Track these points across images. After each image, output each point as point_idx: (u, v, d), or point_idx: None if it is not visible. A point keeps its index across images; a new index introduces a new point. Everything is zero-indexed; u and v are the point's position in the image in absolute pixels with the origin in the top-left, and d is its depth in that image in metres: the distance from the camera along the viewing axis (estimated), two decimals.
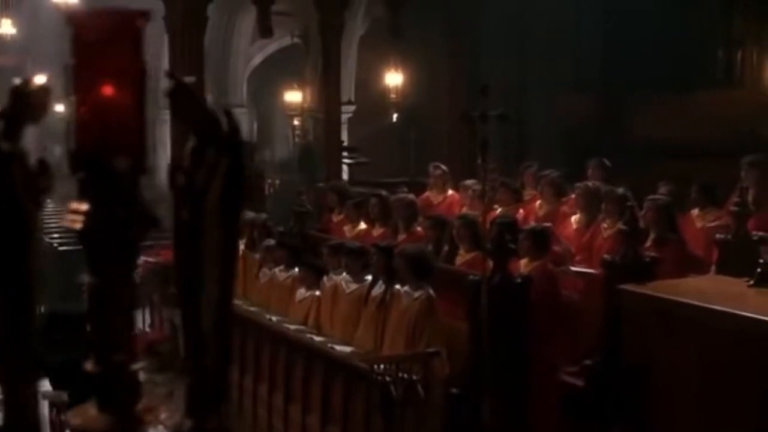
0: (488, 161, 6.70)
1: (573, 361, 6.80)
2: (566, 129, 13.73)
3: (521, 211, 9.00)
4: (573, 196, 8.60)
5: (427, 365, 6.40)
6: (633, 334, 6.18)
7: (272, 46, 19.04)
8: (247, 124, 21.41)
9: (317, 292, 7.85)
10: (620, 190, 7.89)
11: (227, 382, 1.60)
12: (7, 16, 16.05)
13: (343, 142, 14.04)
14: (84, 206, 1.51)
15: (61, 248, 12.56)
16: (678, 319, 5.78)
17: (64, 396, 5.02)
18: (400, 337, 6.68)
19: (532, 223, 8.02)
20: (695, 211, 8.26)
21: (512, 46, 15.09)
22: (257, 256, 9.05)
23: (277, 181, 18.44)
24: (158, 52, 11.99)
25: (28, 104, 1.59)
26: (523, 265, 6.97)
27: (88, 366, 1.54)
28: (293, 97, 17.24)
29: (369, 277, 7.29)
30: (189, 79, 1.59)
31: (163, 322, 10.49)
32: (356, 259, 7.37)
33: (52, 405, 5.07)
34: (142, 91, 1.54)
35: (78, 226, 1.50)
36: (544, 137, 14.03)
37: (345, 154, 14.29)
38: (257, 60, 19.88)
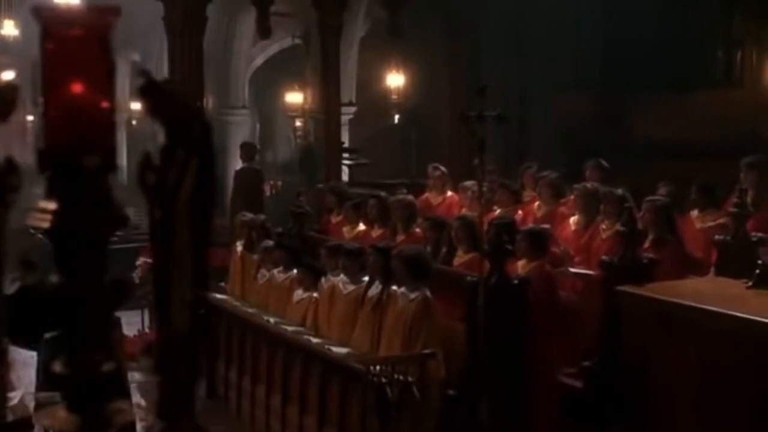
0: (486, 162, 6.68)
1: (571, 362, 6.77)
2: (566, 129, 13.70)
3: (520, 212, 8.97)
4: (572, 197, 8.56)
5: (424, 366, 6.39)
6: (631, 336, 6.15)
7: (273, 47, 19.05)
8: (249, 126, 21.42)
9: (315, 294, 7.83)
10: (619, 191, 7.86)
11: (199, 384, 1.58)
12: (9, 18, 16.03)
13: (343, 143, 14.02)
14: (52, 205, 1.49)
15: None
16: (676, 320, 5.75)
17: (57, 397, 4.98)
18: (397, 339, 6.66)
19: (531, 225, 7.99)
20: (695, 212, 8.22)
21: (512, 47, 15.07)
22: (256, 257, 9.03)
23: (280, 182, 18.46)
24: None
25: None
26: (521, 266, 6.95)
27: (57, 367, 1.52)
28: (294, 98, 17.22)
29: (366, 279, 7.27)
30: (161, 78, 1.57)
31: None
32: (354, 260, 7.35)
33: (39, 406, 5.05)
34: (111, 89, 1.52)
35: (46, 225, 1.48)
36: (543, 137, 14.00)
37: (345, 155, 14.27)
38: (259, 61, 19.89)
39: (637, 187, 8.31)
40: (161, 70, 13.79)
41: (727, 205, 7.60)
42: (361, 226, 9.18)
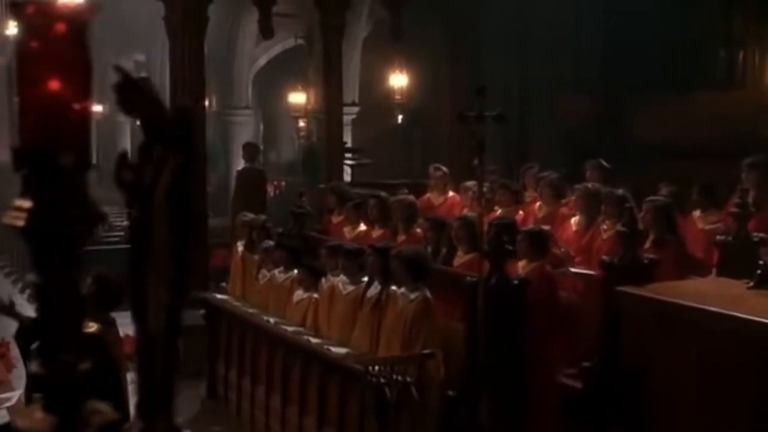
0: (485, 162, 6.65)
1: (572, 363, 6.75)
2: (566, 129, 13.68)
3: (521, 212, 8.94)
4: (573, 197, 8.53)
5: (422, 367, 6.37)
6: (632, 336, 6.13)
7: (277, 48, 19.05)
8: (252, 126, 21.42)
9: (315, 294, 7.82)
10: (619, 192, 7.83)
11: (176, 383, 1.57)
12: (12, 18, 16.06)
13: (345, 143, 14.01)
14: (27, 203, 1.47)
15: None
16: (677, 320, 5.73)
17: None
18: (396, 339, 6.64)
19: (532, 225, 7.96)
20: (696, 213, 8.19)
21: (512, 47, 15.05)
22: (257, 257, 9.02)
23: (283, 183, 18.45)
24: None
25: None
26: (522, 266, 6.93)
27: (33, 367, 1.51)
28: (297, 98, 17.23)
29: (366, 279, 7.26)
30: (139, 75, 1.55)
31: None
32: (353, 260, 7.33)
33: None
34: (88, 87, 1.50)
35: (20, 223, 1.46)
36: (544, 138, 13.98)
37: (348, 155, 14.26)
38: (262, 61, 19.89)
39: (637, 188, 8.27)
40: (165, 71, 13.79)
41: (729, 206, 7.57)
42: (362, 227, 9.15)
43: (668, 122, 12.04)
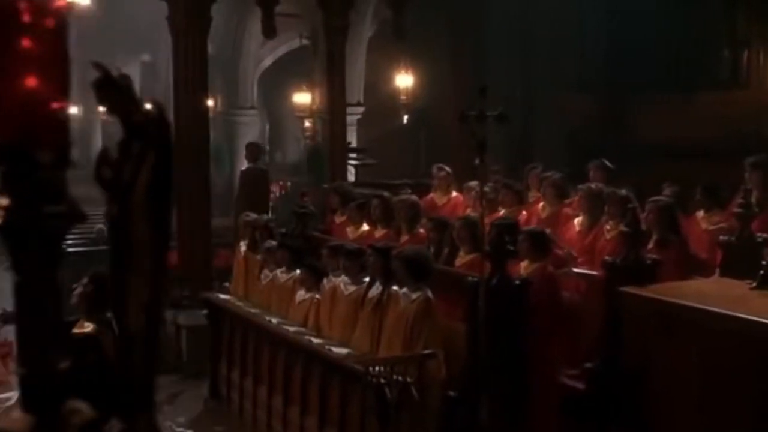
0: (488, 162, 6.63)
1: (573, 363, 6.73)
2: (570, 129, 13.65)
3: (524, 212, 8.91)
4: (576, 197, 8.50)
5: (423, 367, 6.35)
6: (633, 337, 6.10)
7: (282, 48, 19.09)
8: (258, 126, 21.46)
9: (317, 294, 7.80)
10: (622, 192, 7.79)
11: (156, 383, 1.55)
12: None
13: (350, 143, 14.00)
14: (5, 201, 1.46)
15: (69, 249, 12.61)
16: (678, 321, 5.70)
17: None
18: (398, 339, 6.62)
19: (534, 225, 7.93)
20: (700, 213, 8.14)
21: (515, 47, 15.03)
22: (259, 257, 9.01)
23: (289, 183, 18.47)
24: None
25: None
26: (524, 267, 6.91)
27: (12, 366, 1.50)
28: (303, 98, 17.24)
29: (367, 279, 7.24)
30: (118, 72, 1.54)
31: (166, 324, 10.48)
32: (354, 260, 7.32)
33: None
34: (66, 82, 1.49)
35: None
36: (547, 138, 13.96)
37: (352, 155, 14.25)
38: (267, 62, 19.93)
39: (641, 188, 8.24)
40: (171, 71, 13.81)
41: (732, 206, 7.53)
42: (365, 227, 9.12)
43: (671, 122, 12.02)
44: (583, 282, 7.52)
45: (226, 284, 9.70)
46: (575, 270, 7.62)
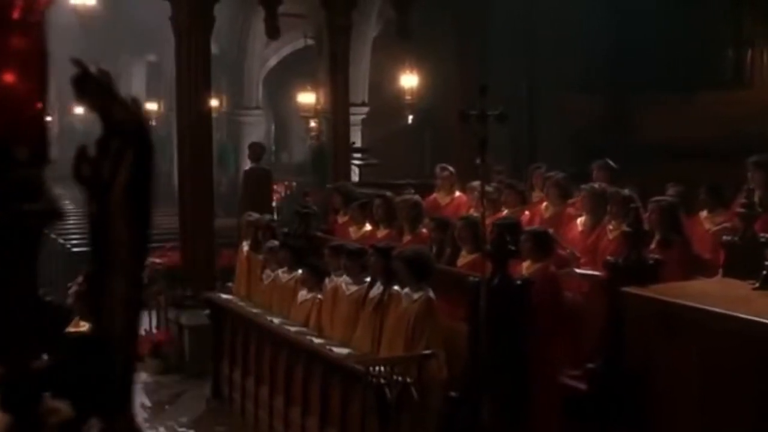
0: (492, 162, 6.61)
1: (575, 363, 6.70)
2: (573, 130, 13.63)
3: (527, 212, 8.90)
4: (579, 197, 8.48)
5: (424, 367, 6.33)
6: (635, 337, 6.08)
7: (287, 48, 19.09)
8: (263, 126, 21.47)
9: (319, 294, 7.79)
10: (625, 192, 7.77)
11: (134, 383, 1.54)
12: None
13: (353, 143, 13.99)
14: None
15: (74, 249, 12.63)
16: (680, 321, 5.68)
17: None
18: (399, 339, 6.61)
19: (537, 225, 7.92)
20: (703, 213, 8.12)
21: (519, 47, 15.01)
22: (261, 257, 9.00)
23: (294, 183, 18.48)
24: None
25: None
26: (526, 267, 6.89)
27: None
28: (307, 98, 17.23)
29: (369, 279, 7.23)
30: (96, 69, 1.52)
31: (168, 324, 10.50)
32: (355, 260, 7.30)
33: None
34: (43, 78, 1.48)
35: None
36: (551, 138, 13.94)
37: (356, 155, 14.23)
38: (272, 62, 19.94)
39: (644, 188, 8.22)
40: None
41: (735, 206, 7.50)
42: (368, 227, 9.11)
43: (675, 122, 11.99)
44: (586, 282, 7.50)
45: (230, 284, 9.70)
46: (577, 270, 7.60)
